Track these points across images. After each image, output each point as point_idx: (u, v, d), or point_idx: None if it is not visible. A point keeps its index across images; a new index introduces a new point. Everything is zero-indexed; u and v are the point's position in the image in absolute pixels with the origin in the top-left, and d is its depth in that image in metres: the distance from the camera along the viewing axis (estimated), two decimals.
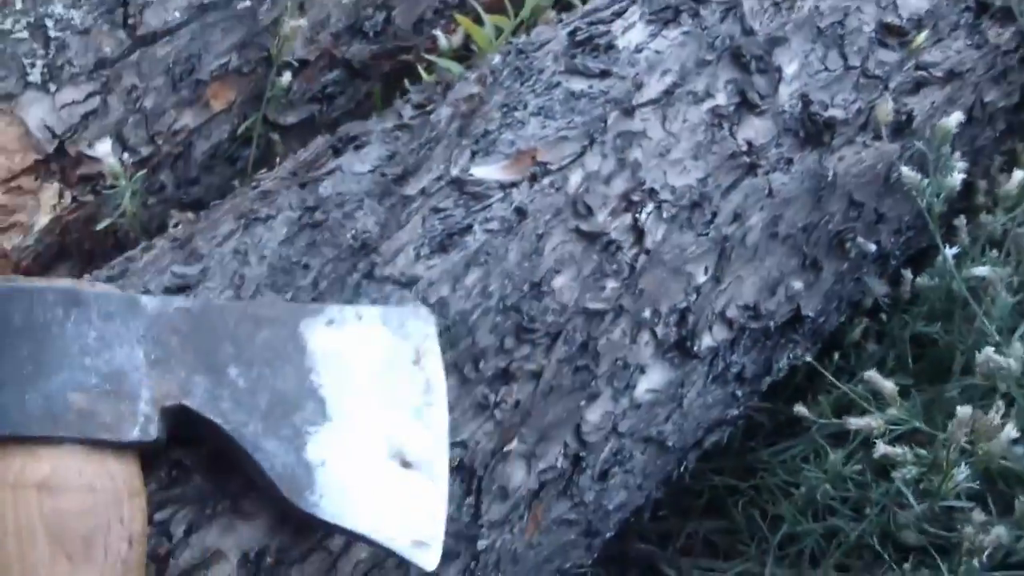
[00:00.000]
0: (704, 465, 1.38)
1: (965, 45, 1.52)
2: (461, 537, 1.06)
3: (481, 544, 1.07)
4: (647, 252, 1.21)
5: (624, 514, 1.22)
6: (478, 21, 1.66)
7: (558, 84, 1.30)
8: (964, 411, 1.14)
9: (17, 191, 1.31)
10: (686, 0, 1.41)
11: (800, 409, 1.31)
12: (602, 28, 1.37)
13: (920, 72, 1.46)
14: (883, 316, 1.46)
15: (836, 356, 1.42)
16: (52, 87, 1.34)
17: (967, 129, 1.48)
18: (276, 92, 1.50)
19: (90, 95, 1.37)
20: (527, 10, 1.65)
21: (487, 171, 1.20)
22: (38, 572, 0.84)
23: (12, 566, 0.84)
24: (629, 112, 1.28)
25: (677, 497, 1.43)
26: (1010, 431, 1.14)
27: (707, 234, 1.25)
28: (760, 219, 1.29)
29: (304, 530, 0.97)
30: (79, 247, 1.38)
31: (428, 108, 1.28)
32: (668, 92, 1.31)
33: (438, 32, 1.66)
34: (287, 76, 1.50)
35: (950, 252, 1.35)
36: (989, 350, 1.21)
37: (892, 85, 1.43)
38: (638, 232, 1.21)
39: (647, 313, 1.20)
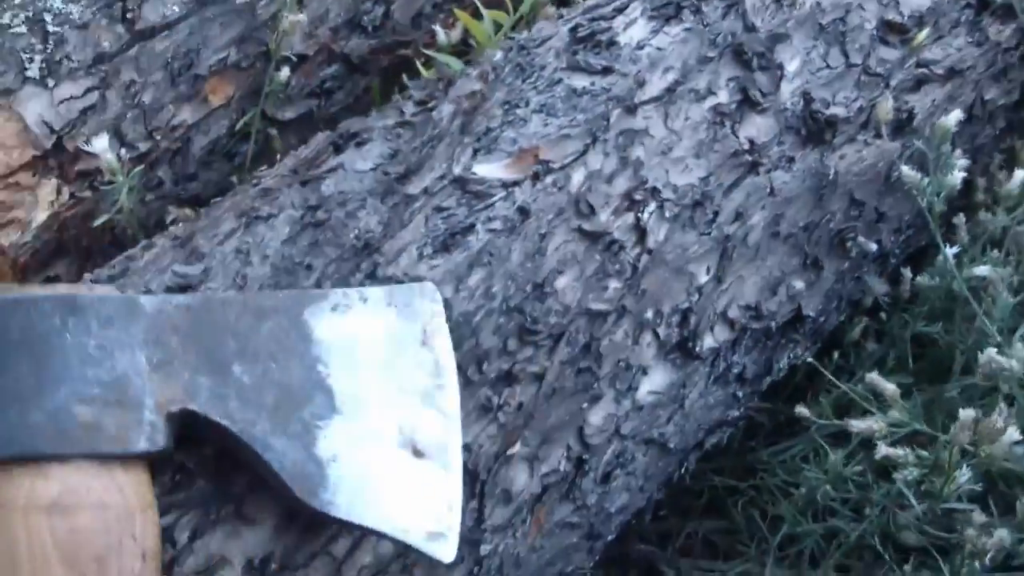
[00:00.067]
0: (704, 465, 1.38)
1: (966, 42, 1.52)
2: (464, 542, 1.05)
3: (484, 549, 1.07)
4: (649, 252, 1.21)
5: (626, 516, 1.22)
6: (477, 15, 1.65)
7: (560, 81, 1.29)
8: (967, 414, 1.14)
9: (15, 187, 1.30)
10: None
11: (801, 410, 1.31)
12: (604, 24, 1.36)
13: (921, 70, 1.46)
14: (883, 315, 1.46)
15: (836, 355, 1.41)
16: (50, 82, 1.34)
17: (967, 127, 1.48)
18: (274, 87, 1.50)
19: (88, 90, 1.36)
20: (526, 5, 1.65)
21: (489, 169, 1.19)
22: None
23: None
24: (631, 110, 1.27)
25: (677, 497, 1.43)
26: (1013, 434, 1.14)
27: (709, 233, 1.25)
28: (762, 218, 1.29)
29: (309, 534, 0.97)
30: (77, 244, 1.37)
31: (430, 105, 1.28)
32: (670, 89, 1.31)
33: (437, 27, 1.65)
34: (285, 71, 1.50)
35: (950, 252, 1.34)
36: (991, 351, 1.21)
37: (893, 83, 1.43)
38: (640, 232, 1.21)
39: (649, 314, 1.19)
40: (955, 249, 1.36)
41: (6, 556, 0.83)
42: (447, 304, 1.08)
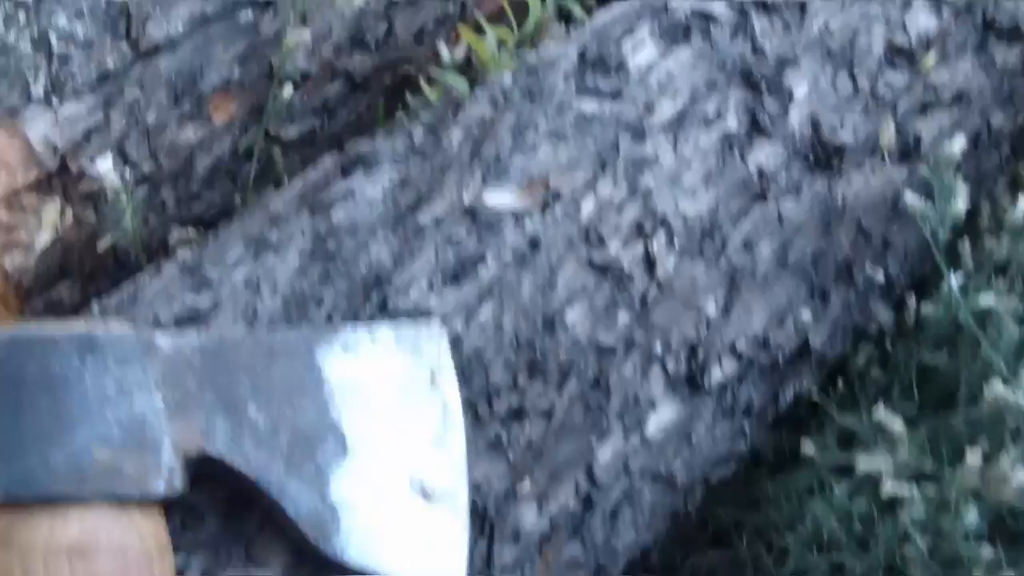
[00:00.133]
0: (708, 496, 1.37)
1: (972, 66, 1.52)
2: None
3: None
4: (658, 284, 1.20)
5: (633, 553, 1.21)
6: (480, 30, 1.65)
7: (569, 105, 1.29)
8: (974, 457, 1.13)
9: (18, 208, 1.29)
10: (696, 18, 1.40)
11: (807, 449, 1.30)
12: (612, 47, 1.36)
13: (928, 94, 1.46)
14: (887, 342, 1.46)
15: (840, 383, 1.41)
16: (55, 101, 1.32)
17: (973, 152, 1.47)
18: (278, 105, 1.49)
19: (92, 109, 1.35)
20: (531, 24, 1.64)
21: (500, 198, 1.19)
22: None
23: None
24: (640, 136, 1.27)
25: (682, 529, 1.42)
26: (1021, 477, 1.13)
27: (717, 264, 1.24)
28: (770, 248, 1.28)
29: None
30: (80, 266, 1.36)
31: (438, 128, 1.27)
32: (679, 115, 1.30)
33: (440, 44, 1.64)
34: (288, 89, 1.49)
35: (955, 282, 1.34)
36: (997, 385, 1.20)
37: (900, 108, 1.42)
38: (650, 263, 1.20)
39: (658, 347, 1.19)
40: (960, 279, 1.35)
41: None
42: (457, 339, 1.08)
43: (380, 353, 0.98)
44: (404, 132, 1.28)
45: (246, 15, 1.47)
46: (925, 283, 1.47)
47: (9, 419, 0.86)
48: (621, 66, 1.34)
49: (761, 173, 1.30)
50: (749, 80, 1.35)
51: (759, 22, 1.40)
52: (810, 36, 1.41)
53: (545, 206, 1.19)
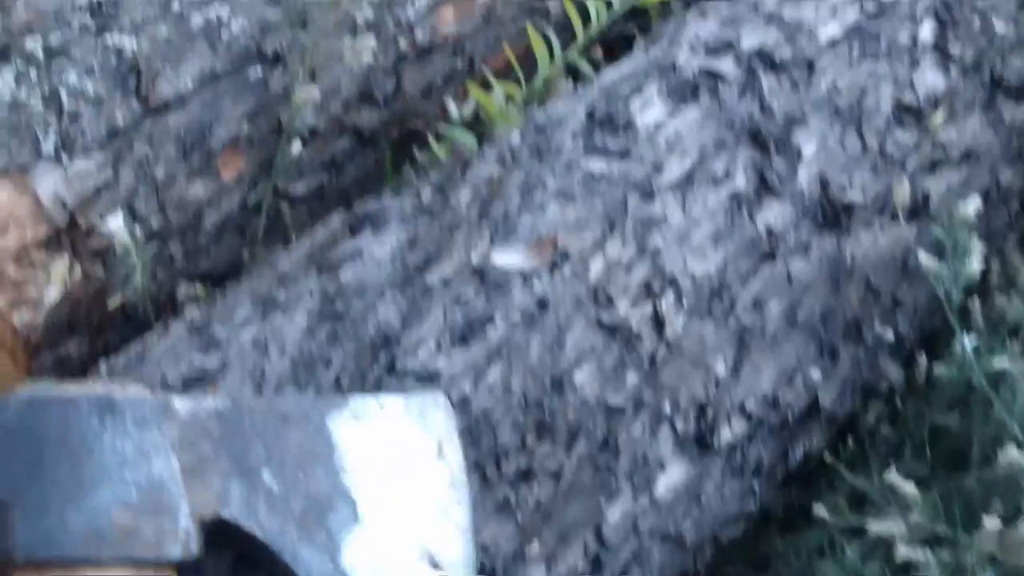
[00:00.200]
0: (718, 555, 1.36)
1: (981, 124, 1.52)
2: None
3: None
4: (667, 344, 1.20)
5: None
6: (488, 85, 1.65)
7: (577, 164, 1.29)
8: (992, 522, 1.12)
9: (28, 264, 1.29)
10: (704, 76, 1.40)
11: (819, 511, 1.29)
12: (620, 106, 1.36)
13: (937, 152, 1.46)
14: (896, 400, 1.45)
15: (850, 441, 1.40)
16: (65, 157, 1.32)
17: (983, 210, 1.47)
18: (286, 161, 1.49)
19: (102, 165, 1.35)
20: (540, 80, 1.65)
21: (508, 258, 1.19)
22: None
23: None
24: (649, 195, 1.27)
25: None
26: None
27: (726, 324, 1.24)
28: (779, 306, 1.28)
29: None
30: (88, 321, 1.35)
31: (446, 187, 1.27)
32: (688, 174, 1.30)
33: (448, 100, 1.64)
34: (297, 145, 1.49)
35: (968, 343, 1.33)
36: (1012, 450, 1.20)
37: (909, 166, 1.42)
38: (658, 322, 1.20)
39: (667, 407, 1.18)
40: (972, 339, 1.35)
41: None
42: (465, 400, 1.08)
43: (389, 422, 0.99)
44: (412, 191, 1.29)
45: (255, 71, 1.48)
46: (935, 340, 1.47)
47: (29, 479, 0.86)
48: (629, 125, 1.34)
49: (770, 232, 1.30)
50: (757, 139, 1.35)
51: (767, 81, 1.40)
52: (818, 95, 1.41)
53: (554, 266, 1.19)
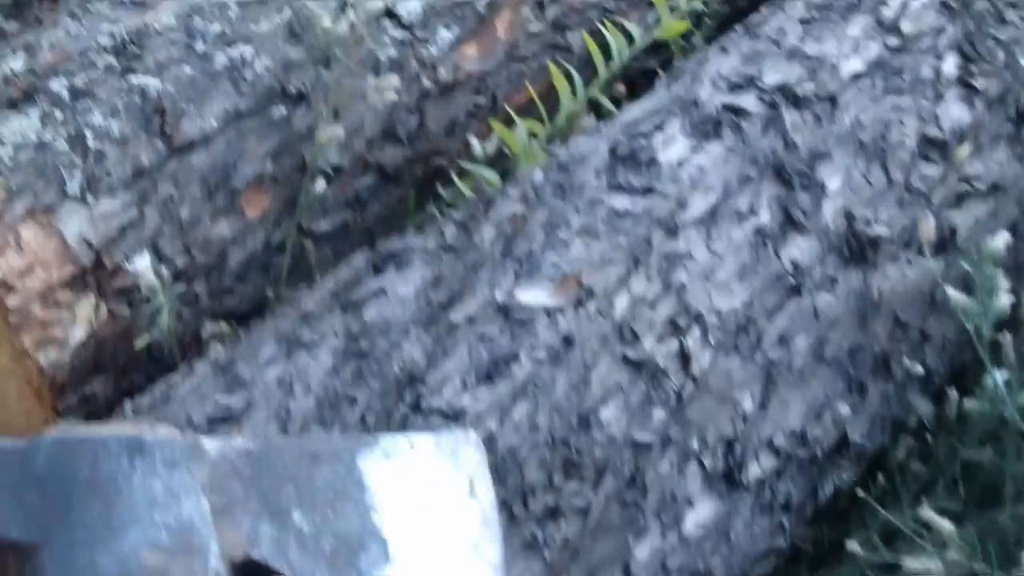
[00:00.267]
0: None
1: (1007, 157, 1.51)
2: None
3: None
4: (694, 380, 1.19)
5: None
6: (511, 122, 1.66)
7: (601, 201, 1.29)
8: None
9: (54, 304, 1.29)
10: (727, 112, 1.40)
11: (853, 547, 1.28)
12: (643, 142, 1.36)
13: (963, 185, 1.45)
14: (927, 435, 1.44)
15: (880, 477, 1.39)
16: (90, 198, 1.33)
17: (1011, 243, 1.46)
18: (310, 199, 1.49)
19: (127, 205, 1.35)
20: (563, 116, 1.65)
21: (533, 296, 1.18)
22: None
23: None
24: (673, 232, 1.27)
25: None
26: None
27: (753, 359, 1.23)
28: (806, 342, 1.27)
29: None
30: (114, 361, 1.35)
31: (469, 225, 1.27)
32: (712, 210, 1.30)
33: (471, 137, 1.64)
34: (321, 183, 1.49)
35: (1000, 378, 1.32)
36: None
37: (935, 200, 1.42)
38: (684, 359, 1.20)
39: (694, 443, 1.17)
40: (1003, 373, 1.33)
41: None
42: (491, 438, 1.07)
43: (419, 461, 0.98)
44: (436, 229, 1.29)
45: (279, 110, 1.48)
46: (964, 375, 1.46)
47: (58, 521, 0.86)
48: (652, 161, 1.34)
49: (795, 267, 1.30)
50: (781, 174, 1.35)
51: (790, 116, 1.40)
52: (842, 129, 1.41)
53: (578, 303, 1.18)
